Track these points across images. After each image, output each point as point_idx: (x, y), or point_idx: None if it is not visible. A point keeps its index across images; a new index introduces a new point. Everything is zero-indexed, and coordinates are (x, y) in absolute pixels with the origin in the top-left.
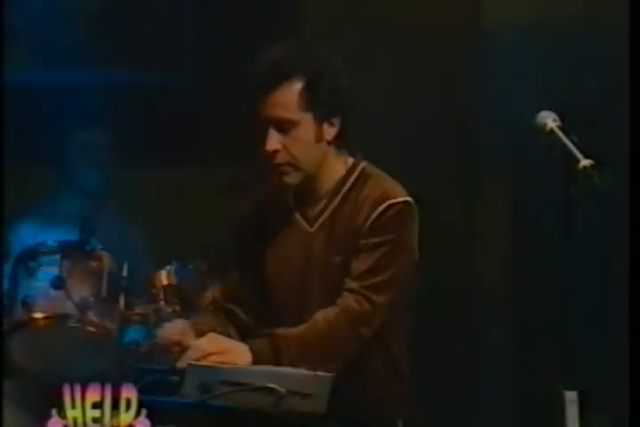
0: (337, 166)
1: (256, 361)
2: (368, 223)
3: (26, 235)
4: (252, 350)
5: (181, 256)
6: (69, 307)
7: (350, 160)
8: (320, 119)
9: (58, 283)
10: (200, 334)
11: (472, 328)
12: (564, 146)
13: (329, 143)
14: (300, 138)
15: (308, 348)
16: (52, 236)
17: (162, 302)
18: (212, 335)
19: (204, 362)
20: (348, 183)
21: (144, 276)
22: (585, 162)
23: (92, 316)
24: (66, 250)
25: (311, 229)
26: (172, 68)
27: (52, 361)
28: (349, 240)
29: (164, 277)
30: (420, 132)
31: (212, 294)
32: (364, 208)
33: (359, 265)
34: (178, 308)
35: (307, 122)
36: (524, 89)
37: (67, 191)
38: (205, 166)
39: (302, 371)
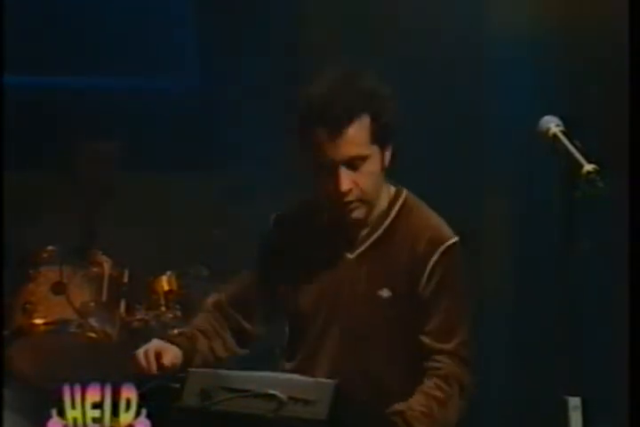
0: (383, 194)
1: None
2: (430, 264)
3: (27, 240)
4: None
5: (183, 262)
6: (70, 312)
7: (392, 189)
8: (383, 148)
9: (58, 288)
10: (190, 339)
11: (473, 333)
12: (567, 151)
13: (384, 170)
14: (371, 171)
15: (434, 422)
16: (53, 241)
17: (163, 308)
18: None
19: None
20: (393, 213)
21: (145, 281)
22: (588, 167)
23: (92, 321)
24: (66, 255)
25: (350, 256)
26: (173, 72)
27: (52, 367)
28: (402, 277)
29: (165, 283)
30: (420, 135)
31: (218, 295)
32: (420, 246)
33: (439, 322)
34: (179, 313)
35: (375, 154)
36: (526, 93)
37: (68, 196)
38: (207, 170)
39: (304, 377)
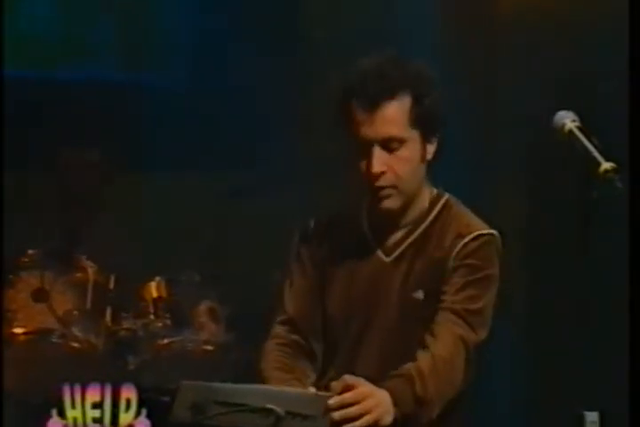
0: (424, 194)
1: (397, 402)
2: (454, 252)
3: (7, 244)
4: (389, 391)
5: (173, 267)
6: (52, 321)
7: (434, 190)
8: (425, 137)
9: (40, 295)
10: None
11: (485, 344)
12: (584, 148)
13: (427, 163)
14: (408, 157)
15: (441, 382)
16: (34, 244)
17: (151, 316)
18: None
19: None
20: (432, 215)
21: (132, 288)
22: (606, 165)
23: (76, 331)
24: (49, 260)
25: (387, 259)
26: (172, 69)
27: (35, 379)
28: (433, 275)
29: (153, 290)
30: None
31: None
32: (449, 241)
33: (452, 288)
34: (169, 322)
35: (415, 140)
36: (539, 88)
37: (53, 198)
38: (201, 173)
39: (302, 391)
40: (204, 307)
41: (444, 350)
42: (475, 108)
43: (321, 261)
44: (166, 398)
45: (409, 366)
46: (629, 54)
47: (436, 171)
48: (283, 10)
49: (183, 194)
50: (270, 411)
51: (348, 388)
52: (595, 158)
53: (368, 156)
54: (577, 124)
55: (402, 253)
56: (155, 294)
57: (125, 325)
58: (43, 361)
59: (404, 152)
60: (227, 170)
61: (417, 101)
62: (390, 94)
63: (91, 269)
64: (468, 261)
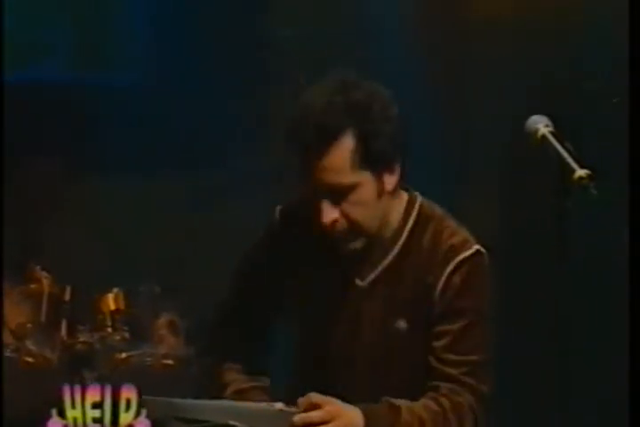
0: (394, 208)
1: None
2: (440, 285)
3: None
4: (366, 412)
5: (131, 278)
6: (5, 334)
7: (405, 196)
8: (380, 172)
9: None
10: None
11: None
12: (558, 154)
13: (384, 195)
14: (361, 200)
15: None
16: None
17: (109, 329)
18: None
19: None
20: (407, 229)
21: (89, 300)
22: (581, 172)
23: (29, 344)
24: (1, 270)
25: (362, 283)
26: (130, 69)
27: None
28: (418, 302)
29: (111, 302)
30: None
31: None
32: (433, 263)
33: (445, 338)
34: (127, 335)
35: (366, 181)
36: (515, 91)
37: (7, 204)
38: (161, 180)
39: (266, 406)
40: (163, 320)
41: (452, 412)
42: (456, 107)
43: (288, 268)
44: None
45: (406, 402)
46: (629, 54)
47: (410, 175)
48: (250, 8)
49: (143, 202)
50: None
51: (312, 406)
52: (568, 164)
53: (317, 204)
54: (550, 129)
55: (379, 276)
56: (112, 307)
57: (82, 338)
58: None
59: (357, 197)
60: (189, 176)
61: (362, 140)
62: (329, 140)
63: (45, 280)
64: (458, 304)
